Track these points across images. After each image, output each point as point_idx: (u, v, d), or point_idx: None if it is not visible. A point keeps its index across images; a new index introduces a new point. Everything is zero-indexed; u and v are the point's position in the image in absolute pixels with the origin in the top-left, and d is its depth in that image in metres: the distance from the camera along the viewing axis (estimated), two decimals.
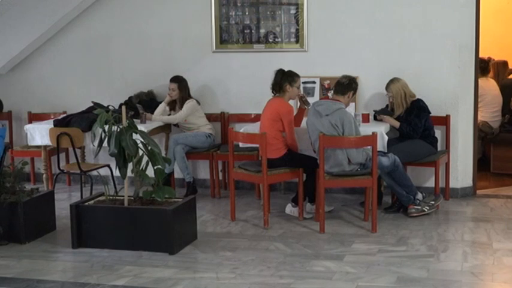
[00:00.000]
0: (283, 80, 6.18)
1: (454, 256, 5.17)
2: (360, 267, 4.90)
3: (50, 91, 7.89)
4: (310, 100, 6.68)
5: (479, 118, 7.24)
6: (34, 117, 7.76)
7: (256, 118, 6.77)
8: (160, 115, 7.18)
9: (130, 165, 5.43)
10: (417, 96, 6.62)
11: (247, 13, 7.33)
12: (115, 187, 6.79)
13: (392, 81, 6.62)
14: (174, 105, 7.20)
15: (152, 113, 7.19)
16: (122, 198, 5.60)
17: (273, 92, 6.25)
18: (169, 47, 7.52)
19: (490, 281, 4.66)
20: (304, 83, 7.01)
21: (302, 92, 6.78)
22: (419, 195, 6.25)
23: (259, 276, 4.77)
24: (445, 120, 6.84)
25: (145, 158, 5.45)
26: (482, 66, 7.43)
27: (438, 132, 6.80)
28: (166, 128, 7.28)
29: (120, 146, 5.36)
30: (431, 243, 5.46)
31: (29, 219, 5.69)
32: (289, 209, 6.38)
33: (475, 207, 6.63)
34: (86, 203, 5.65)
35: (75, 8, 7.57)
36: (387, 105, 6.80)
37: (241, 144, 6.52)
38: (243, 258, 5.16)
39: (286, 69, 6.27)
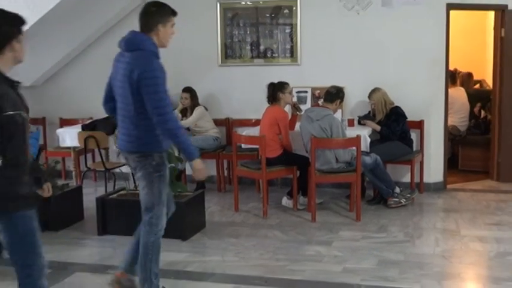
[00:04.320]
0: (275, 90, 6.22)
1: (427, 242, 5.20)
2: (346, 251, 4.92)
3: (78, 100, 7.89)
4: (303, 107, 6.69)
5: (449, 122, 7.25)
6: (64, 122, 7.77)
7: (256, 123, 6.78)
8: None
9: None
10: (395, 104, 6.63)
11: (248, 32, 7.35)
12: (134, 182, 6.78)
13: (374, 90, 6.64)
14: (185, 112, 7.21)
15: None
16: (139, 192, 5.62)
17: (269, 103, 6.28)
18: (180, 62, 7.52)
19: (458, 263, 4.68)
20: (298, 92, 7.04)
21: (295, 100, 6.82)
22: (397, 189, 6.27)
23: (259, 259, 4.80)
24: (419, 125, 6.86)
25: None
26: (451, 77, 7.45)
27: (413, 135, 6.81)
28: None
29: None
30: (408, 231, 5.48)
31: (61, 210, 5.72)
32: (285, 201, 6.40)
33: (445, 199, 6.66)
34: (110, 196, 5.69)
35: (98, 29, 7.60)
36: (369, 112, 6.82)
37: (243, 146, 6.53)
38: (245, 243, 5.19)
39: (279, 81, 6.30)
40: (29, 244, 2.99)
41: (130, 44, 3.69)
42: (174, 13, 3.78)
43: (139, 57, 3.58)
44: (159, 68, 3.56)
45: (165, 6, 3.78)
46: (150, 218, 3.77)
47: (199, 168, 3.71)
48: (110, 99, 3.86)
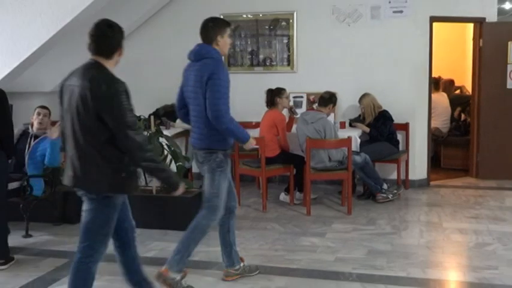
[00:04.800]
0: (273, 96, 6.24)
1: (412, 233, 5.22)
2: (338, 242, 4.94)
3: None
4: (299, 111, 6.69)
5: (432, 125, 7.26)
6: None
7: (257, 125, 6.78)
8: (181, 123, 7.18)
9: None
10: (383, 108, 6.64)
11: (249, 43, 7.37)
12: (145, 179, 6.80)
13: (364, 95, 6.65)
14: None
15: (174, 121, 7.22)
16: (150, 188, 5.64)
17: (267, 107, 6.30)
18: None
19: (440, 253, 4.70)
20: (294, 97, 7.05)
21: (292, 104, 6.83)
22: (385, 186, 6.28)
23: (259, 250, 4.81)
24: (405, 127, 6.87)
25: (169, 157, 5.48)
26: (434, 83, 7.46)
27: (400, 136, 6.82)
28: (185, 133, 7.31)
29: None
30: (395, 223, 5.50)
31: (78, 204, 5.68)
32: (283, 196, 6.42)
33: (428, 195, 6.67)
34: None
35: None
36: (360, 115, 6.83)
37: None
38: (246, 235, 5.19)
39: (277, 87, 6.31)
40: (104, 231, 3.13)
41: (198, 54, 3.91)
42: (228, 24, 3.96)
43: (209, 64, 3.77)
44: (225, 73, 3.78)
45: (220, 20, 4.04)
46: (208, 207, 3.92)
47: (251, 144, 4.02)
48: (182, 106, 4.03)
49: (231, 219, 4.10)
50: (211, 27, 3.88)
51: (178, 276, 3.85)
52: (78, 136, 3.03)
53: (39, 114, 5.57)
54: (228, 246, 4.11)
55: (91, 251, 3.15)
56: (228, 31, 3.92)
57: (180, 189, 3.30)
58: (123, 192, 3.16)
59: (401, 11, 6.77)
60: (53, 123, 5.66)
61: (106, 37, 3.13)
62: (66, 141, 3.17)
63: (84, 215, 3.15)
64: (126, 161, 3.03)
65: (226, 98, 3.77)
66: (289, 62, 7.27)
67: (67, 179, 3.20)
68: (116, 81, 3.03)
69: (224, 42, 3.89)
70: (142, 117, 6.54)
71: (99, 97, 2.94)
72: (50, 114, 5.69)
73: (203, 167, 3.93)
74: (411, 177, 6.97)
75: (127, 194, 3.24)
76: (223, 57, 3.93)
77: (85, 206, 3.16)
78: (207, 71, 3.73)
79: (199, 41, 7.78)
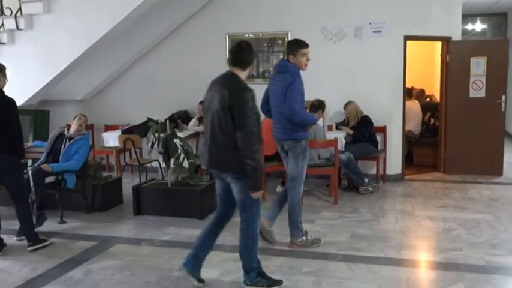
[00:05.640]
0: None
1: (389, 220, 5.22)
2: (326, 227, 4.94)
3: (119, 110, 7.91)
4: None
5: (406, 128, 7.26)
6: (108, 128, 7.78)
7: None
8: (192, 126, 7.21)
9: (172, 160, 5.46)
10: (364, 113, 6.65)
11: None
12: (162, 174, 6.82)
13: (348, 103, 6.66)
14: (201, 120, 7.21)
15: (187, 125, 7.23)
16: (166, 181, 5.63)
17: (263, 113, 6.29)
18: (198, 81, 7.46)
19: (413, 237, 4.71)
20: None
21: None
22: (366, 180, 6.28)
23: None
24: (383, 129, 6.88)
25: (182, 155, 5.49)
26: (407, 92, 7.46)
27: (378, 137, 6.82)
28: (196, 135, 7.32)
29: (165, 147, 5.40)
30: (374, 212, 5.51)
31: (105, 195, 5.74)
32: (279, 189, 6.41)
33: (403, 187, 6.67)
34: (143, 185, 5.69)
35: (134, 55, 7.62)
36: (344, 119, 6.84)
37: None
38: None
39: None
40: (256, 203, 3.42)
41: (281, 68, 4.29)
42: (301, 46, 4.27)
43: (288, 77, 4.15)
44: (299, 82, 4.15)
45: (293, 43, 4.33)
46: (294, 185, 4.32)
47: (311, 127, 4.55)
48: (266, 104, 4.45)
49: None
50: (287, 47, 4.33)
51: (303, 238, 4.37)
52: (216, 131, 3.31)
53: (79, 119, 5.62)
54: (291, 222, 4.40)
55: (252, 218, 3.44)
56: (301, 51, 4.24)
57: (258, 194, 3.37)
58: (245, 174, 3.29)
59: (380, 31, 6.78)
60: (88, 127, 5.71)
61: (244, 53, 3.41)
62: (205, 134, 3.48)
63: (236, 197, 3.42)
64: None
65: (298, 101, 4.15)
66: None
67: (205, 162, 3.51)
68: (247, 90, 3.27)
69: (297, 60, 4.22)
70: (159, 121, 6.57)
71: (233, 101, 3.21)
72: (86, 120, 5.74)
73: (289, 154, 4.34)
74: (388, 172, 6.97)
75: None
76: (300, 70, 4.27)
77: (232, 188, 3.41)
78: (286, 83, 4.14)
79: (208, 56, 7.86)
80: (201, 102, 7.17)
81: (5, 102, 4.22)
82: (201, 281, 3.61)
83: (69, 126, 5.66)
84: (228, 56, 3.48)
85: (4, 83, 4.32)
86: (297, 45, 4.25)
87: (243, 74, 3.42)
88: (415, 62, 7.95)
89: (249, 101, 3.22)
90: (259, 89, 7.15)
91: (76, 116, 5.68)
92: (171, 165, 5.48)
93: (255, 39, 7.31)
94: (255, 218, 3.45)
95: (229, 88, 3.26)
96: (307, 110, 6.54)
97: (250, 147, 3.19)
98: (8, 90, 4.40)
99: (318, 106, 6.14)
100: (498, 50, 7.07)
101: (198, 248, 3.60)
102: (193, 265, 3.58)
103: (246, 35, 7.32)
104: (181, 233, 4.88)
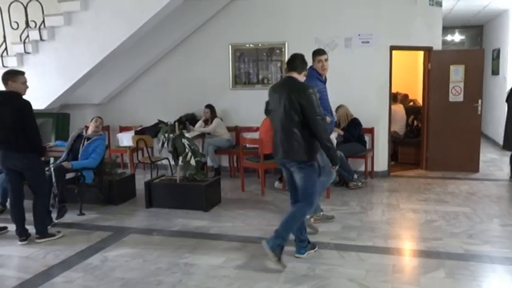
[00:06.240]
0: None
1: (376, 212, 5.21)
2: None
3: (132, 113, 7.91)
4: None
5: (392, 129, 7.25)
6: (123, 129, 7.78)
7: (257, 129, 6.79)
8: (198, 128, 7.21)
9: (180, 158, 5.46)
10: (354, 116, 6.64)
11: (251, 66, 7.35)
12: (171, 171, 6.82)
13: (339, 106, 6.65)
14: (207, 122, 7.22)
15: (194, 126, 7.22)
16: (175, 178, 5.64)
17: (266, 114, 6.29)
18: (204, 87, 7.55)
19: (398, 227, 4.70)
20: None
21: None
22: (356, 176, 6.28)
23: (259, 225, 4.81)
24: (371, 130, 6.87)
25: (189, 154, 5.49)
26: (393, 97, 7.46)
27: (367, 138, 6.82)
28: (202, 135, 7.33)
29: (174, 146, 5.40)
30: (363, 205, 5.50)
31: (120, 190, 5.74)
32: (277, 184, 6.41)
33: (389, 183, 6.66)
34: (154, 181, 5.69)
35: (147, 63, 7.61)
36: (336, 121, 6.82)
37: (247, 145, 6.55)
38: (249, 214, 5.20)
39: None
40: (314, 189, 3.64)
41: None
42: (315, 53, 4.43)
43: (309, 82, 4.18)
44: (317, 85, 4.17)
45: (313, 52, 4.48)
46: (326, 173, 4.32)
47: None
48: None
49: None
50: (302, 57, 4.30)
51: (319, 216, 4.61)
52: (286, 124, 3.56)
53: (96, 121, 5.62)
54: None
55: (309, 205, 3.64)
56: (318, 58, 4.40)
57: (337, 167, 3.75)
58: (315, 159, 3.59)
59: (368, 42, 6.77)
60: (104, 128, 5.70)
61: (300, 61, 3.71)
62: (275, 129, 3.70)
63: (298, 183, 3.62)
64: (313, 139, 3.54)
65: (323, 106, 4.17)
66: None
67: (278, 154, 3.68)
68: (309, 87, 3.56)
69: (317, 67, 4.37)
70: (169, 123, 6.57)
71: (301, 98, 3.48)
72: (102, 122, 5.74)
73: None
74: (375, 169, 6.96)
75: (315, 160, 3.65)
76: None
77: (295, 175, 3.62)
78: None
79: (214, 64, 7.88)
80: (206, 106, 7.18)
81: (21, 105, 4.15)
82: (313, 246, 4.01)
83: (87, 127, 5.67)
84: (285, 65, 3.85)
85: (22, 88, 4.23)
86: (314, 53, 4.46)
87: (300, 77, 3.68)
88: (399, 69, 7.95)
89: (314, 96, 3.50)
90: (259, 94, 7.29)
91: (93, 119, 5.68)
92: (179, 162, 5.47)
93: (255, 49, 7.30)
94: (308, 206, 3.65)
95: (296, 89, 3.53)
96: None
97: (325, 131, 3.52)
98: (32, 95, 4.38)
99: None
100: (475, 59, 7.07)
101: (298, 232, 3.87)
102: (301, 246, 3.91)
103: (247, 45, 7.31)
104: (188, 224, 4.88)
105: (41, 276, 3.64)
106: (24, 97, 4.23)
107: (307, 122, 3.49)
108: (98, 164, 5.38)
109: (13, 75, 4.21)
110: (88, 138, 5.47)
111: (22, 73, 4.29)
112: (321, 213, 4.76)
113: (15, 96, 4.16)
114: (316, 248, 4.00)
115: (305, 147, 3.52)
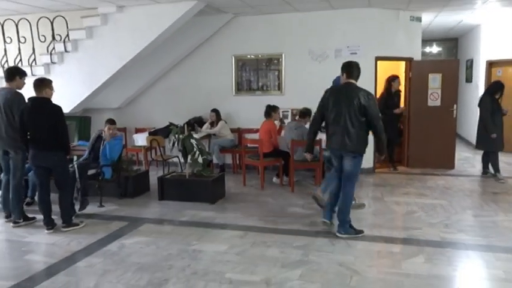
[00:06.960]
0: (269, 110, 6.24)
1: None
2: (312, 210, 4.92)
3: (147, 116, 7.90)
4: (286, 121, 6.71)
5: None
6: (138, 130, 7.75)
7: (257, 131, 6.78)
8: (205, 129, 7.20)
9: (189, 156, 5.45)
10: None
11: (252, 74, 7.35)
12: (181, 168, 6.80)
13: None
14: (213, 124, 7.22)
15: (201, 128, 7.21)
16: (184, 173, 5.62)
17: (265, 117, 6.30)
18: (210, 92, 7.54)
19: (382, 218, 4.68)
20: (282, 111, 7.04)
21: (281, 116, 6.82)
22: None
23: (258, 216, 4.79)
24: None
25: (197, 152, 5.48)
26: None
27: None
28: (209, 136, 7.31)
29: (183, 146, 5.39)
30: None
31: (135, 184, 5.73)
32: (275, 179, 6.40)
33: (374, 178, 6.64)
34: (166, 176, 5.67)
35: (160, 71, 7.60)
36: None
37: (249, 145, 6.53)
38: (250, 206, 5.19)
39: (272, 105, 6.30)
40: (358, 173, 4.04)
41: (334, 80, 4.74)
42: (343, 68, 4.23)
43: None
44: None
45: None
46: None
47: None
48: None
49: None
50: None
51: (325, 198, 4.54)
52: (347, 122, 3.83)
53: (109, 129, 5.52)
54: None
55: (353, 186, 3.98)
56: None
57: (383, 156, 4.13)
58: (364, 152, 3.95)
59: (356, 53, 6.76)
60: (118, 130, 5.69)
61: (356, 69, 3.99)
62: (332, 126, 3.97)
63: (347, 168, 3.93)
64: (367, 135, 3.89)
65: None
66: (279, 87, 7.25)
67: (337, 145, 3.94)
68: (370, 93, 3.86)
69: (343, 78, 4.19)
70: (179, 125, 6.56)
71: (365, 102, 3.78)
72: (116, 126, 5.69)
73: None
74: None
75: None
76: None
77: (346, 162, 3.93)
78: None
79: (219, 73, 7.86)
80: (212, 110, 7.16)
81: (55, 109, 4.20)
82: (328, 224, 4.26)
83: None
84: (343, 73, 4.02)
85: (51, 94, 4.30)
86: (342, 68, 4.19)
87: (356, 83, 3.95)
88: (384, 78, 7.93)
89: (374, 99, 3.85)
90: (259, 99, 7.29)
91: (106, 126, 5.46)
92: (188, 160, 5.46)
93: (255, 59, 7.29)
94: (354, 186, 4.00)
95: (361, 94, 3.80)
96: (297, 117, 6.58)
97: (383, 129, 3.86)
98: (58, 101, 4.39)
99: (306, 113, 6.12)
100: (451, 68, 7.05)
101: (334, 202, 4.18)
102: (332, 216, 4.23)
103: (249, 56, 7.31)
104: (196, 214, 4.87)
105: (66, 261, 3.64)
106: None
107: (367, 122, 3.79)
108: (116, 159, 5.35)
109: (49, 83, 4.27)
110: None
111: (52, 81, 4.34)
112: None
113: (48, 101, 4.22)
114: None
115: (363, 142, 3.88)
